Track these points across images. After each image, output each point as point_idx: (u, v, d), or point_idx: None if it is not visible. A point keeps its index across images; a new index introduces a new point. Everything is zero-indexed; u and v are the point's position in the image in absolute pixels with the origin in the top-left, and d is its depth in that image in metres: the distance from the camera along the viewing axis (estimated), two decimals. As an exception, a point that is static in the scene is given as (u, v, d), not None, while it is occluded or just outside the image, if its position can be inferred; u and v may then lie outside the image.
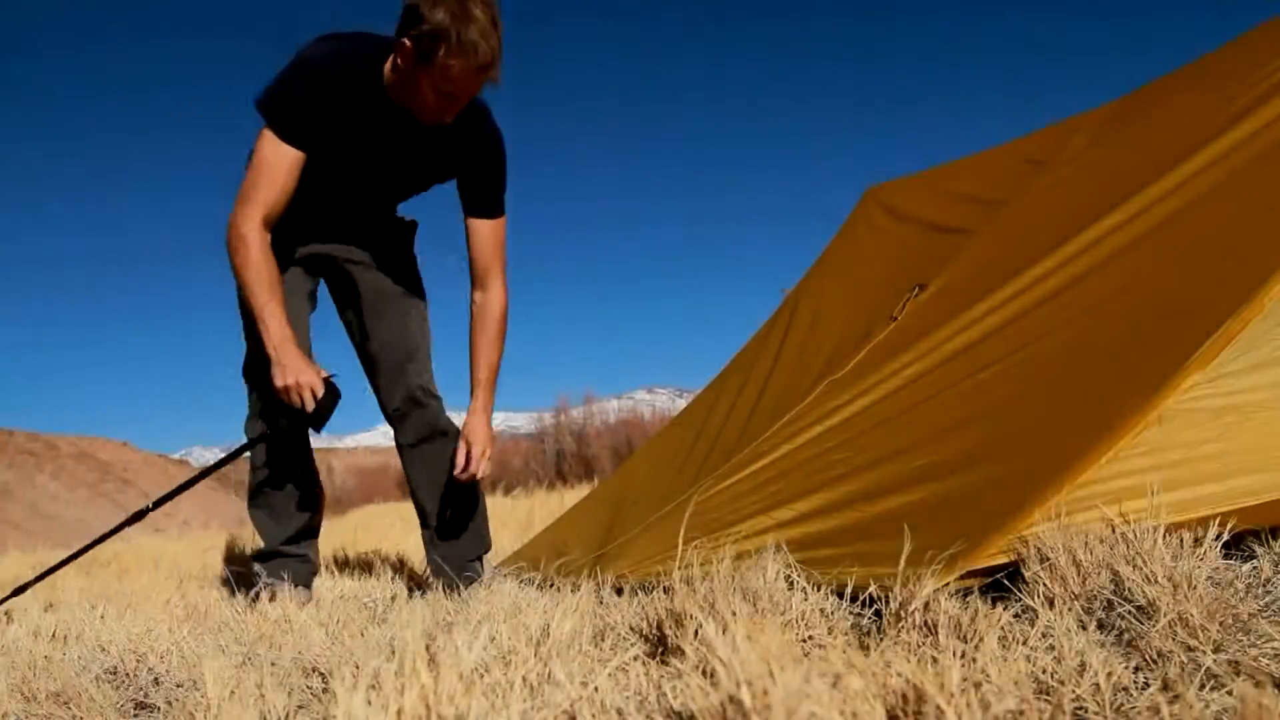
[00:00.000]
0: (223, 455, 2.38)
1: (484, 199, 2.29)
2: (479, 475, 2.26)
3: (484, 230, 2.30)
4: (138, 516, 2.27)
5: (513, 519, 5.10)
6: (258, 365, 2.21)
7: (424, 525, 2.46)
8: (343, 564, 3.64)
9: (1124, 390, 1.50)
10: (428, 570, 2.47)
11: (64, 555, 2.71)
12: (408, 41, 1.98)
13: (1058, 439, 1.53)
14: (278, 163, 2.10)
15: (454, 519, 2.40)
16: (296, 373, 2.06)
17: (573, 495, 7.21)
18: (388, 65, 2.08)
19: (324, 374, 2.12)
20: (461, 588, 2.21)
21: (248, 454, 2.35)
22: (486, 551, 2.45)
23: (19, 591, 2.37)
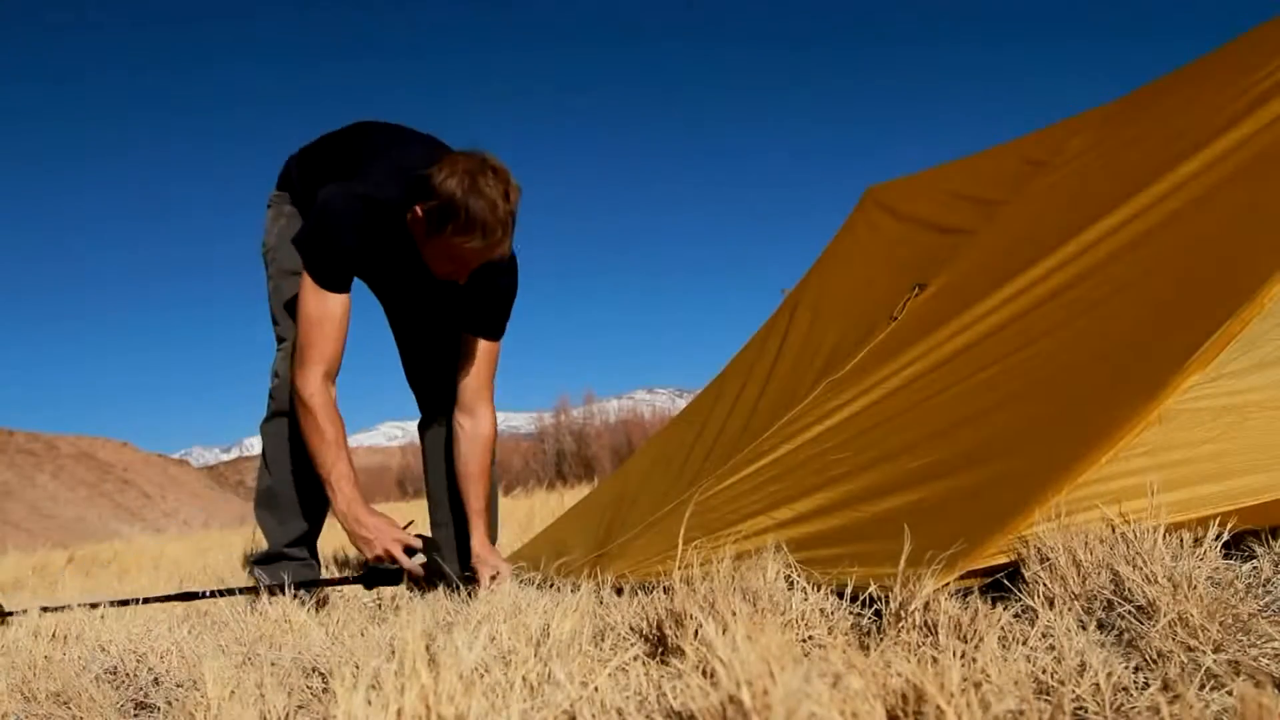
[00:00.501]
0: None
1: (490, 321, 2.32)
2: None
3: (482, 349, 2.31)
4: (189, 596, 2.30)
5: (513, 519, 5.10)
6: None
7: (432, 514, 2.46)
8: (343, 564, 3.64)
9: (1124, 390, 1.50)
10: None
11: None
12: (419, 210, 2.02)
13: (1058, 439, 1.53)
14: (327, 315, 2.12)
15: (460, 518, 2.41)
16: (379, 536, 2.07)
17: (573, 495, 7.21)
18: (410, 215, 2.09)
19: (404, 529, 2.12)
20: (462, 587, 2.21)
21: (253, 456, 2.35)
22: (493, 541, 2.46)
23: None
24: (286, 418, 2.28)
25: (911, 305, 2.30)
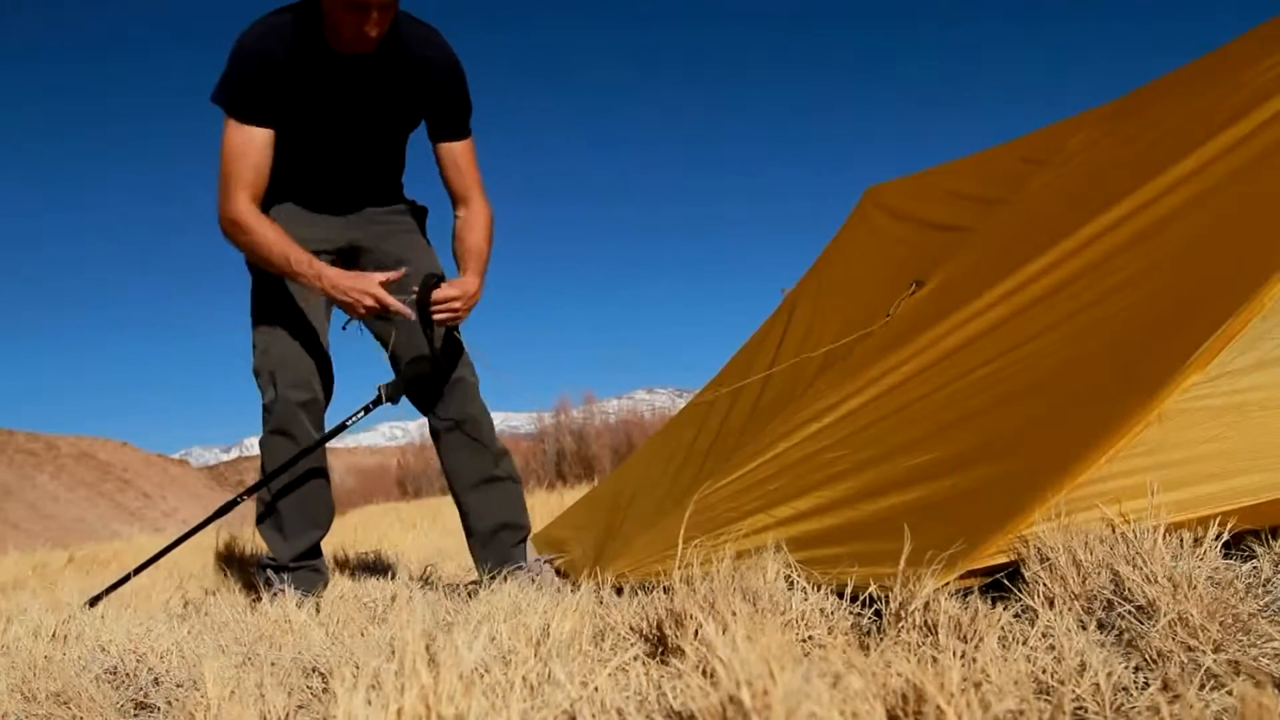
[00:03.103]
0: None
1: (449, 120, 2.32)
2: (452, 315, 2.24)
3: (455, 151, 2.32)
4: (228, 507, 2.35)
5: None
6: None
7: (463, 519, 2.43)
8: (343, 564, 3.64)
9: (1124, 390, 1.49)
10: (473, 561, 2.42)
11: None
12: None
13: (1058, 439, 1.53)
14: (246, 145, 2.14)
15: (492, 509, 2.38)
16: (362, 289, 2.10)
17: (573, 495, 7.21)
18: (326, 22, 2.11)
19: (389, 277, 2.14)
20: (511, 574, 2.19)
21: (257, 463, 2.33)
22: (527, 534, 2.43)
23: (122, 583, 2.35)
24: (283, 435, 2.28)
25: (909, 302, 2.30)
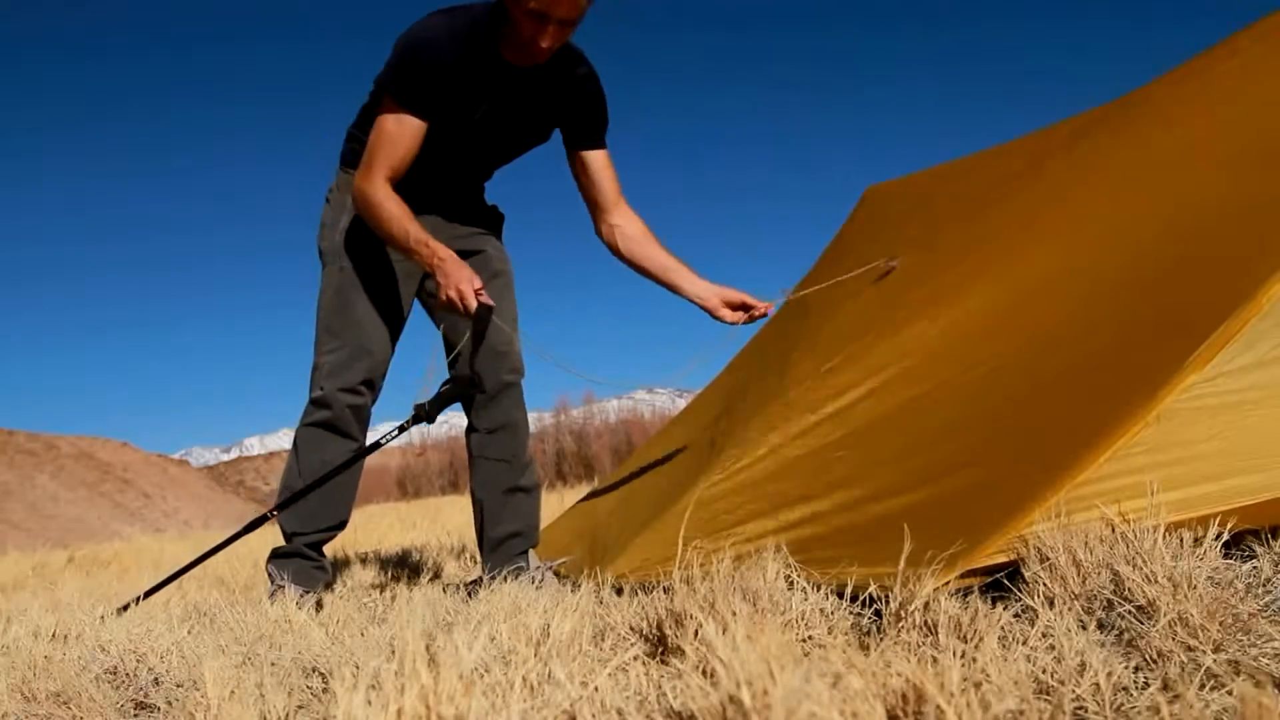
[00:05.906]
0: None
1: (592, 130, 2.39)
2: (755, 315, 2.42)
3: (599, 160, 2.40)
4: (259, 522, 2.33)
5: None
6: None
7: (478, 521, 2.45)
8: (343, 564, 3.64)
9: (1123, 390, 1.50)
10: (484, 566, 2.45)
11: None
12: None
13: (1058, 439, 1.53)
14: (399, 132, 2.18)
15: (509, 517, 2.42)
16: (458, 281, 2.13)
17: (573, 495, 7.21)
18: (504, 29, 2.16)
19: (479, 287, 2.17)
20: (512, 574, 2.23)
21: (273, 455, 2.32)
22: (536, 541, 2.48)
23: (150, 593, 2.34)
24: (327, 430, 2.34)
25: (907, 304, 2.29)
